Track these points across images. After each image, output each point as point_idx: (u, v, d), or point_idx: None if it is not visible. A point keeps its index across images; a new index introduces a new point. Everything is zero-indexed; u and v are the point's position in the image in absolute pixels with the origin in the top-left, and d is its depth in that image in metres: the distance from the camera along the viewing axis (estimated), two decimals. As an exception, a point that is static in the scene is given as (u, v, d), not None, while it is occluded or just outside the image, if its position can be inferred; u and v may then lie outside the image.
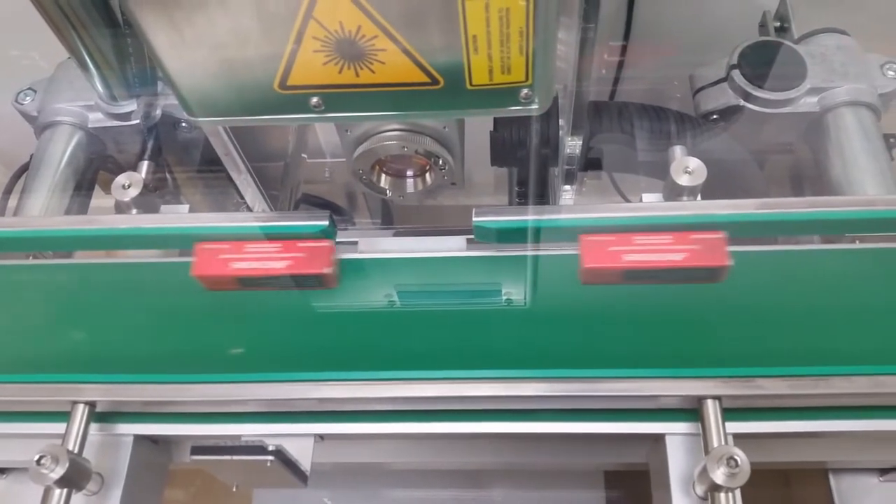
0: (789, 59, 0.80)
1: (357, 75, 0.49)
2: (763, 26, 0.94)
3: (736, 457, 0.47)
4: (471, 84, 0.49)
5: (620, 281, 0.55)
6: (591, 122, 0.69)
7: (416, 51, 0.47)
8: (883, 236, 0.61)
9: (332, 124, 0.61)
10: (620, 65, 1.08)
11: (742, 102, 0.78)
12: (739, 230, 0.58)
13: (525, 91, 0.50)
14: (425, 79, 0.49)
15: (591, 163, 0.70)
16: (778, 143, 0.83)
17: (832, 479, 0.69)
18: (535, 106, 0.51)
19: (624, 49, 1.05)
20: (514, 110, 0.52)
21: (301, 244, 0.57)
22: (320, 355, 0.58)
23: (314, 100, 0.50)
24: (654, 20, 1.05)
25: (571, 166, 0.64)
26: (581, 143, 0.62)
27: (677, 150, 0.63)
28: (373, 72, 0.48)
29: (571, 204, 0.66)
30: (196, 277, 0.57)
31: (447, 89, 0.49)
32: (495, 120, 0.69)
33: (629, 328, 0.57)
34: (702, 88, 0.81)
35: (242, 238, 0.59)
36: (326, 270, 0.56)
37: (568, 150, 0.63)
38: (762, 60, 0.80)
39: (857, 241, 0.62)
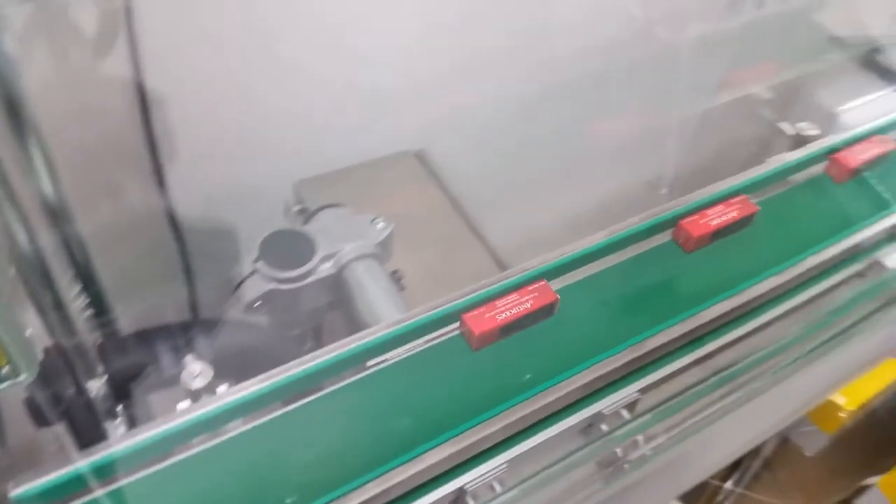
0: (298, 238, 0.97)
1: None
2: (287, 214, 1.14)
3: None
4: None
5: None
6: (117, 358, 0.77)
7: None
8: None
9: None
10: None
11: (274, 286, 0.93)
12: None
13: (5, 369, 0.56)
14: None
15: (124, 394, 0.77)
16: (323, 306, 1.00)
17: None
18: (23, 376, 0.57)
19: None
20: (7, 386, 0.57)
21: (529, 287, 0.76)
22: None
23: None
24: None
25: (109, 403, 0.70)
26: (105, 382, 0.69)
27: (187, 359, 0.73)
28: None
29: (120, 434, 0.70)
30: (475, 336, 0.73)
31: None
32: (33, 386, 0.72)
33: None
34: (239, 283, 0.94)
35: None
36: (555, 297, 0.76)
37: (95, 393, 0.69)
38: (279, 246, 0.96)
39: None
